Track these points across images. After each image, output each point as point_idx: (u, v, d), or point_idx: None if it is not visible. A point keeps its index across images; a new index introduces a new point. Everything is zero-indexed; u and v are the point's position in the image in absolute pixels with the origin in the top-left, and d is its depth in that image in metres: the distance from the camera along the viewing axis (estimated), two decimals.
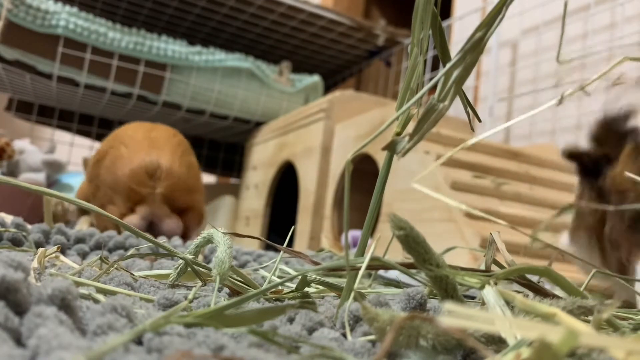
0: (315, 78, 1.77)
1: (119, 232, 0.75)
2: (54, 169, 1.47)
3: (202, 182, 1.18)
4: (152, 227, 1.04)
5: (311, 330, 0.30)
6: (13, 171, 1.44)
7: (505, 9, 0.31)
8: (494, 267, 0.37)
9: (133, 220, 1.00)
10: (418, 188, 0.37)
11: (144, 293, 0.38)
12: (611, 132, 0.51)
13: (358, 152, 0.32)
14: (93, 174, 1.09)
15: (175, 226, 1.04)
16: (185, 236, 1.07)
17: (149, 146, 1.05)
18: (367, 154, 1.08)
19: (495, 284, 0.30)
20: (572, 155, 0.54)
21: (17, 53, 1.41)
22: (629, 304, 0.49)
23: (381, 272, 0.62)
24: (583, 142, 0.55)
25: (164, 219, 1.03)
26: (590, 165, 0.53)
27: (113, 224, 1.01)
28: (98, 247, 0.67)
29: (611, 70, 0.41)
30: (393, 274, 0.60)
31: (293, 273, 0.49)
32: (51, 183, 1.50)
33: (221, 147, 2.10)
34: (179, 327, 0.26)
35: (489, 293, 0.29)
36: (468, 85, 1.60)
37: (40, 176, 1.43)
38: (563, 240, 0.59)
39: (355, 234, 1.09)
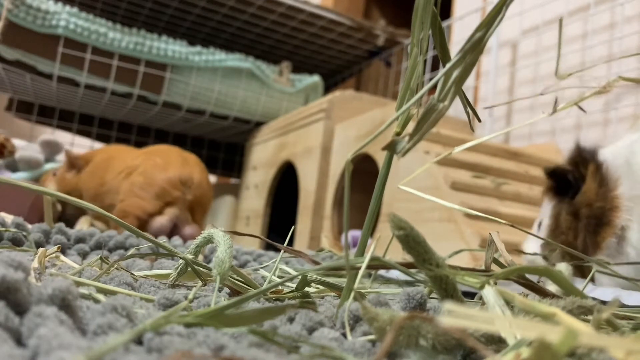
0: (315, 78, 1.77)
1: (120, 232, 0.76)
2: (52, 148, 1.47)
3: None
4: (173, 231, 1.15)
5: (311, 330, 0.30)
6: (12, 166, 1.44)
7: (505, 9, 0.31)
8: (494, 267, 0.38)
9: (162, 221, 1.11)
10: (405, 189, 0.37)
11: (144, 293, 0.38)
12: (582, 156, 0.61)
13: (358, 152, 0.32)
14: (115, 186, 1.19)
15: (195, 232, 1.15)
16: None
17: (182, 162, 1.21)
18: (367, 154, 1.08)
19: (495, 283, 0.30)
20: (553, 172, 0.62)
21: (17, 53, 1.41)
22: None
23: (382, 271, 0.62)
24: (582, 142, 0.60)
25: (186, 224, 1.15)
26: (569, 180, 0.61)
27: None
28: (98, 247, 0.67)
29: (606, 80, 0.46)
30: (395, 273, 0.60)
31: (293, 273, 0.50)
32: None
33: (221, 147, 2.11)
34: (179, 327, 0.26)
35: (489, 293, 0.29)
36: (468, 85, 1.60)
37: (39, 155, 1.44)
38: (528, 247, 0.64)
39: (355, 234, 1.09)
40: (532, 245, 0.66)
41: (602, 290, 0.49)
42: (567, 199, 0.62)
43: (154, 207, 1.12)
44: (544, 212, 0.66)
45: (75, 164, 1.33)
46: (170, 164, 1.18)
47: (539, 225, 0.66)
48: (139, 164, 1.21)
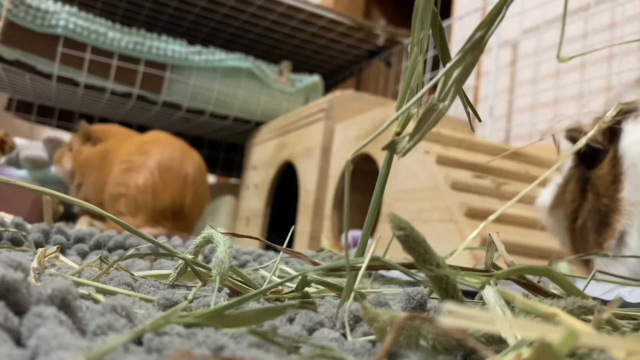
0: (315, 78, 1.77)
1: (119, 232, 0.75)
2: (55, 146, 1.47)
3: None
4: None
5: (311, 330, 0.30)
6: (15, 163, 1.44)
7: (505, 8, 0.30)
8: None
9: (154, 232, 1.12)
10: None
11: (143, 293, 0.38)
12: (612, 128, 0.57)
13: (358, 152, 0.32)
14: (119, 180, 1.20)
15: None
16: None
17: (180, 188, 1.20)
18: (367, 154, 1.08)
19: (495, 284, 0.30)
20: (574, 137, 0.59)
21: (17, 53, 1.41)
22: None
23: (383, 271, 0.62)
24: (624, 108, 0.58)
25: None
26: (588, 152, 0.59)
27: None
28: (98, 246, 0.67)
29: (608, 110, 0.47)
30: (395, 273, 0.60)
31: (293, 273, 0.49)
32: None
33: (221, 147, 2.10)
34: (179, 327, 0.26)
35: (489, 293, 0.29)
36: (468, 85, 1.60)
37: (44, 154, 1.44)
38: (540, 202, 0.66)
39: (355, 234, 1.09)
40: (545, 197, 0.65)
41: (601, 286, 0.49)
42: (582, 166, 0.61)
43: (142, 225, 1.15)
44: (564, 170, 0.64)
45: (90, 136, 1.34)
46: (166, 188, 1.18)
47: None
48: (140, 163, 1.20)
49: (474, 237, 0.77)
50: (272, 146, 1.58)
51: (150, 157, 1.22)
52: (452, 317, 0.17)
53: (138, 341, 0.24)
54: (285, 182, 1.53)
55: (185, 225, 1.21)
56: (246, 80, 1.65)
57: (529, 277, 0.36)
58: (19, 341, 0.23)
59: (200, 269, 0.42)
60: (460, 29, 1.73)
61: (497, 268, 0.35)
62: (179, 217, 1.19)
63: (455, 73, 0.30)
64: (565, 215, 0.62)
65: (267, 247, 1.22)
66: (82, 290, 0.35)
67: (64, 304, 0.25)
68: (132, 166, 1.20)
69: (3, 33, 1.35)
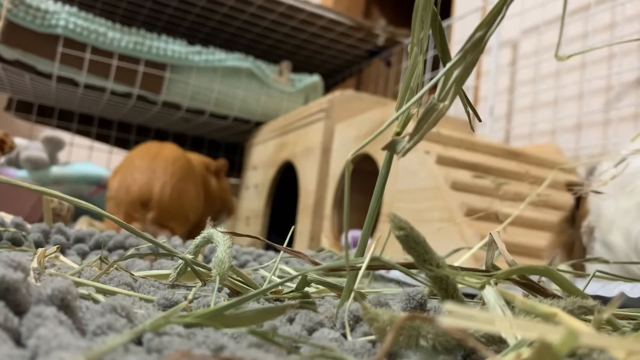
0: (315, 78, 1.76)
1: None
2: (54, 145, 1.47)
3: (196, 202, 1.38)
4: None
5: (311, 331, 0.30)
6: (15, 163, 1.44)
7: (505, 8, 0.30)
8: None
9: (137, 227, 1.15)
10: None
11: (143, 293, 0.38)
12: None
13: (358, 152, 0.32)
14: (110, 185, 1.33)
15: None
16: None
17: (147, 178, 1.28)
18: (367, 154, 1.08)
19: (496, 284, 0.30)
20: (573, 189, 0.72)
21: (17, 53, 1.40)
22: None
23: (382, 272, 0.62)
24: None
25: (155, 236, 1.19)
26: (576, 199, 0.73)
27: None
28: (98, 246, 0.67)
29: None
30: (395, 274, 0.60)
31: (293, 273, 0.49)
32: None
33: (221, 147, 2.10)
34: (179, 327, 0.26)
35: (489, 293, 0.29)
36: (468, 85, 1.60)
37: (42, 153, 1.44)
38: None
39: (355, 234, 1.09)
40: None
41: (598, 282, 0.49)
42: (575, 208, 0.73)
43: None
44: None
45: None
46: (135, 181, 1.27)
47: None
48: (119, 169, 1.32)
49: (474, 238, 0.77)
50: (272, 146, 1.58)
51: (127, 160, 1.34)
52: (452, 317, 0.17)
53: (138, 341, 0.24)
54: (285, 182, 1.53)
55: (157, 217, 1.25)
56: (246, 80, 1.65)
57: (528, 277, 0.36)
58: (18, 341, 0.23)
59: (200, 269, 0.42)
60: (460, 29, 1.73)
61: (497, 268, 0.35)
62: (147, 207, 1.25)
63: (455, 73, 0.30)
64: (563, 246, 0.73)
65: (267, 247, 1.22)
66: (82, 290, 0.35)
67: (64, 304, 0.25)
68: (115, 172, 1.33)
69: (3, 33, 1.35)
